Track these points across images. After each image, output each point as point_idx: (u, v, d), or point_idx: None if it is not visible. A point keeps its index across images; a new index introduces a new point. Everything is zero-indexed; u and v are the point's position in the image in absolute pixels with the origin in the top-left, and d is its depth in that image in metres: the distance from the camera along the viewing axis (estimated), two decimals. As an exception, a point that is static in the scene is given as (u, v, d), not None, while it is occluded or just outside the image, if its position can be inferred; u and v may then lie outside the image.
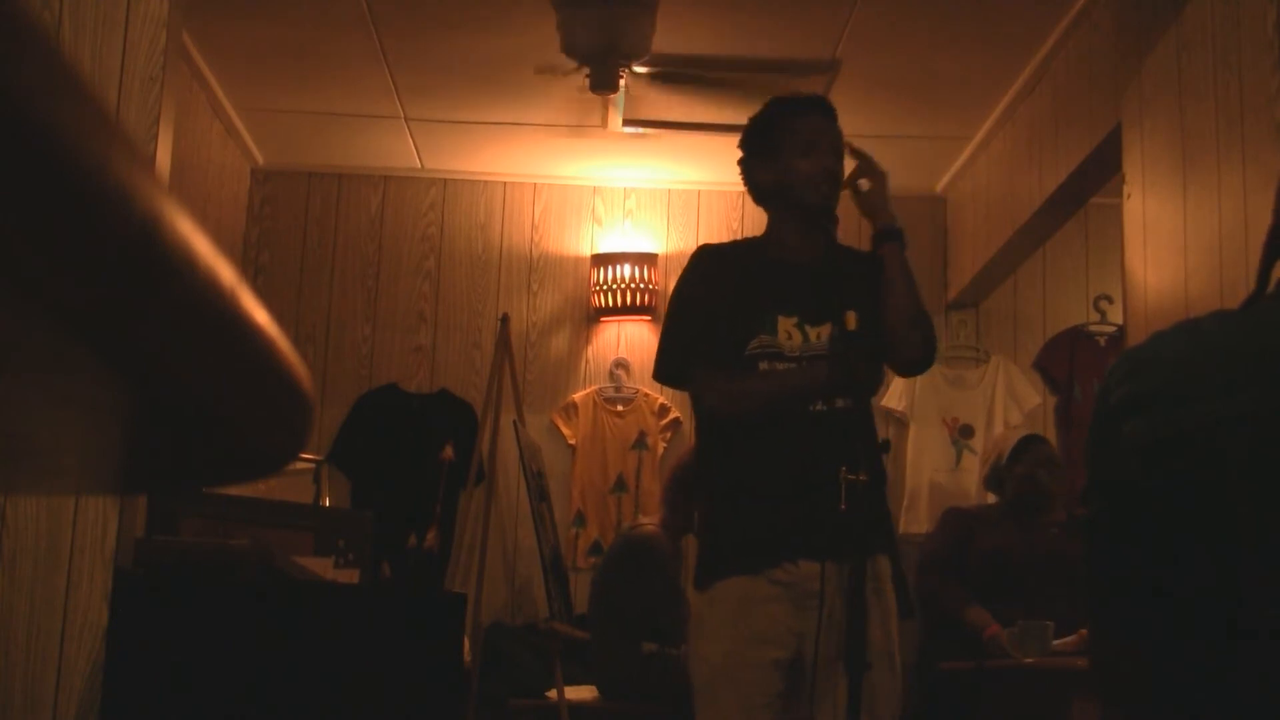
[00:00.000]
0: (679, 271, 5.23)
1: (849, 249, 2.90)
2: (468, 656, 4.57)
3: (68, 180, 0.32)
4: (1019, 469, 4.66)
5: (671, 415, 5.82)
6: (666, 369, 2.83)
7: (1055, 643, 4.03)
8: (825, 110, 2.85)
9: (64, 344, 0.37)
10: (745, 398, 2.70)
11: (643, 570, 4.53)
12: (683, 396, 5.32)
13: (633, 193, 6.01)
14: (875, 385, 2.81)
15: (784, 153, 2.78)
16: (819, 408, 2.63)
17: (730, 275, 2.81)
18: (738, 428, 2.71)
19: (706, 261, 2.86)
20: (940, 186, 5.90)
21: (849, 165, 2.86)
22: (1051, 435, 5.58)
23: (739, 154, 2.90)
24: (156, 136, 2.61)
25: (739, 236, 5.89)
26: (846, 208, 2.86)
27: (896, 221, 2.80)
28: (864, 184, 2.84)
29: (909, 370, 2.89)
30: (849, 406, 2.59)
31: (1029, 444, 4.74)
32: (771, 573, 2.62)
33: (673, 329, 2.83)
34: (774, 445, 2.65)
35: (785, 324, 2.72)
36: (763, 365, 2.70)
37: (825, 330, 2.70)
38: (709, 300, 2.78)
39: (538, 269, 5.95)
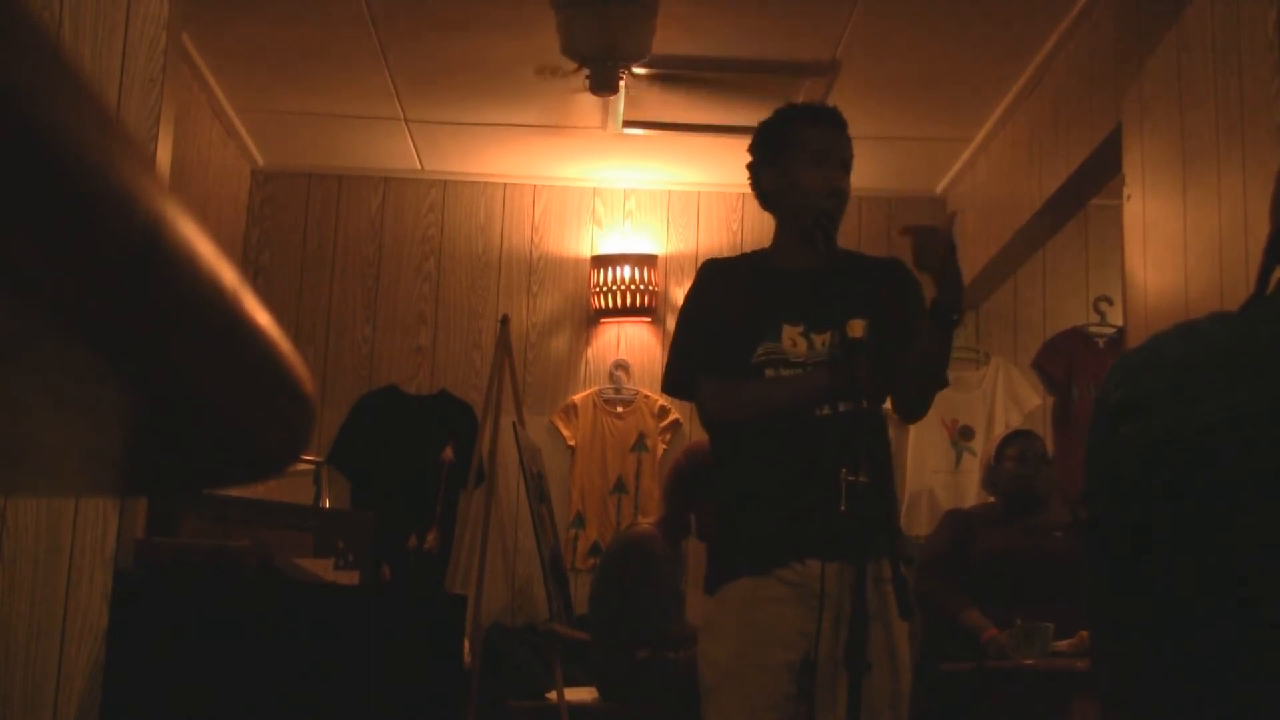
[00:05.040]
0: (679, 273, 5.27)
1: (859, 255, 2.92)
2: (467, 658, 4.56)
3: (70, 182, 0.32)
4: (1005, 465, 4.68)
5: (671, 417, 5.82)
6: (673, 381, 2.89)
7: (1055, 644, 4.03)
8: (838, 123, 2.84)
9: (66, 345, 0.37)
10: (744, 405, 2.73)
11: (634, 566, 4.53)
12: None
13: (632, 194, 6.01)
14: (882, 390, 2.80)
15: (793, 162, 2.79)
16: (825, 412, 2.64)
17: (734, 286, 2.84)
18: (744, 433, 2.73)
19: (710, 275, 2.91)
20: (940, 188, 5.90)
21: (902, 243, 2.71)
22: (1049, 436, 5.58)
23: (748, 157, 2.91)
24: (157, 137, 2.62)
25: (738, 237, 5.95)
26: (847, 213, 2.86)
27: (954, 306, 2.60)
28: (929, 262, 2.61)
29: (902, 417, 3.00)
30: (854, 410, 2.59)
31: (1012, 440, 4.75)
32: (780, 573, 2.63)
33: (677, 343, 2.88)
34: (779, 449, 2.67)
35: (790, 331, 2.73)
36: (768, 373, 2.72)
37: (830, 337, 2.71)
38: (712, 312, 2.82)
39: (538, 270, 5.95)
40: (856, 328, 2.65)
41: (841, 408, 2.62)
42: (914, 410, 2.84)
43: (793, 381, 2.70)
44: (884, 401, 2.85)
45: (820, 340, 2.72)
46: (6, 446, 0.51)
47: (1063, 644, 4.02)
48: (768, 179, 2.84)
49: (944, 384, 2.80)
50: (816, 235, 2.71)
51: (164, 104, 2.63)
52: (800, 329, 2.73)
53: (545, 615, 5.00)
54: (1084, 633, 3.89)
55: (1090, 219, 5.59)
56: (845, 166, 2.79)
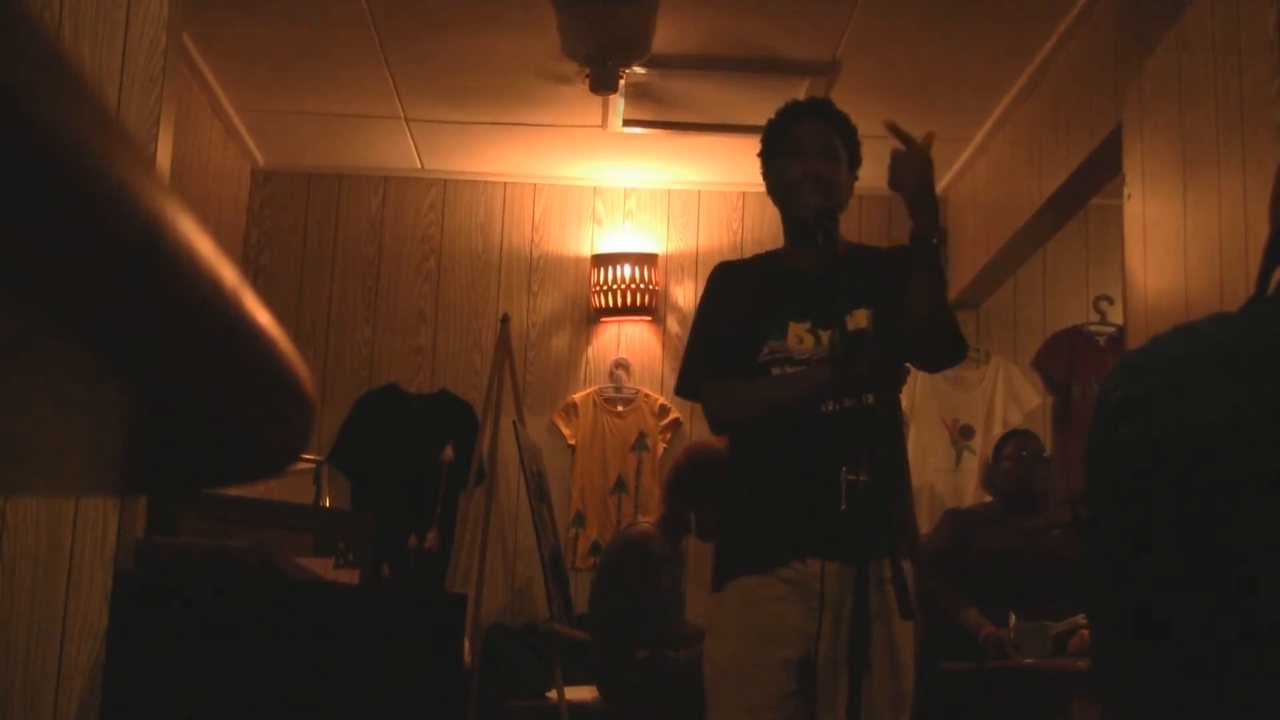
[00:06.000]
0: (679, 272, 5.22)
1: (864, 246, 2.92)
2: (467, 658, 4.56)
3: (70, 182, 0.32)
4: (1002, 464, 4.68)
5: (671, 416, 5.82)
6: (683, 384, 2.91)
7: (1056, 626, 4.03)
8: (818, 113, 2.85)
9: (66, 345, 0.37)
10: (745, 405, 2.74)
11: (634, 566, 4.53)
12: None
13: (633, 193, 6.01)
14: (893, 383, 2.79)
15: (776, 159, 2.82)
16: (830, 408, 2.63)
17: (742, 287, 2.85)
18: (751, 432, 2.73)
19: (719, 278, 2.93)
20: (940, 187, 5.89)
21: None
22: (1048, 435, 5.58)
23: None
24: (157, 137, 2.62)
25: (738, 237, 5.95)
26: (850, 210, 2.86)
27: (931, 230, 2.60)
28: (900, 178, 2.61)
29: (925, 369, 2.97)
30: (861, 406, 2.58)
31: (1009, 439, 4.76)
32: (781, 571, 2.63)
33: (689, 347, 2.92)
34: (784, 446, 2.67)
35: (797, 329, 2.73)
36: (775, 371, 2.72)
37: (834, 333, 2.70)
38: (721, 314, 2.84)
39: (538, 269, 5.95)
40: (858, 319, 2.66)
41: (846, 403, 2.62)
42: (932, 358, 2.80)
43: (795, 379, 2.70)
44: (894, 395, 2.82)
45: (828, 336, 2.72)
46: (6, 446, 0.51)
47: (1062, 625, 4.02)
48: (767, 179, 2.87)
49: (952, 323, 2.72)
50: (816, 233, 2.71)
51: (164, 104, 2.63)
52: (807, 326, 2.73)
53: (545, 615, 5.00)
54: (1084, 632, 3.89)
55: (1090, 219, 5.59)
56: (828, 155, 2.77)
